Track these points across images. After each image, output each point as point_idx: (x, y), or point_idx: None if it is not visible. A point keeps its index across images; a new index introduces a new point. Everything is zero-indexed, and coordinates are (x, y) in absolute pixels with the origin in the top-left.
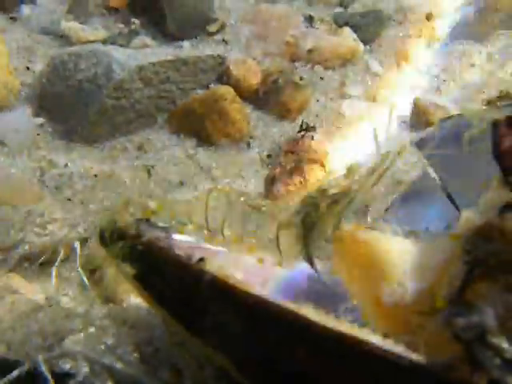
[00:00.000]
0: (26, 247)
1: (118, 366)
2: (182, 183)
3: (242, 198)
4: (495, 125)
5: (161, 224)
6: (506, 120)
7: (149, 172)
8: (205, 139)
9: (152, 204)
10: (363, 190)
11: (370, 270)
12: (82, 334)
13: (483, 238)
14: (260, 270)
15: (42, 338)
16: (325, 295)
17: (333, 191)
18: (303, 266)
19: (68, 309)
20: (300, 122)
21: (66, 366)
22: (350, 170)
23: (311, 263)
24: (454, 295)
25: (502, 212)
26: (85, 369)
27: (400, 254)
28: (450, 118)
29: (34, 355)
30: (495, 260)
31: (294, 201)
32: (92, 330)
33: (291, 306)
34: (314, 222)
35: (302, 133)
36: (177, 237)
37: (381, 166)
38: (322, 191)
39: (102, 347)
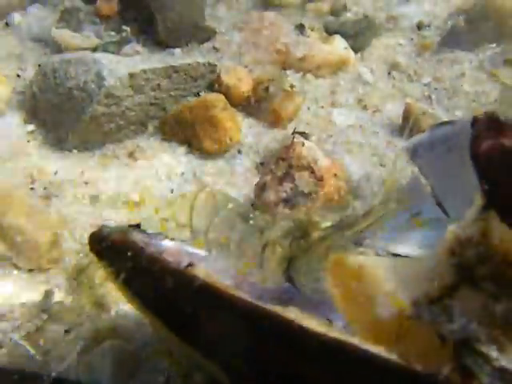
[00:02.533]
0: None
1: None
2: (172, 191)
3: (230, 205)
4: (474, 124)
5: (150, 231)
6: (486, 120)
7: None
8: (196, 146)
9: (135, 196)
10: (356, 229)
11: (362, 291)
12: None
13: (468, 249)
14: (245, 279)
15: None
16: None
17: (325, 225)
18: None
19: None
20: (292, 130)
21: None
22: (344, 201)
23: (294, 285)
24: (436, 299)
25: (482, 213)
26: None
27: (389, 272)
28: (440, 124)
29: None
30: (479, 269)
31: (282, 217)
32: None
33: (281, 311)
34: (301, 249)
35: (295, 136)
36: (166, 243)
37: (377, 212)
38: (314, 223)
39: None
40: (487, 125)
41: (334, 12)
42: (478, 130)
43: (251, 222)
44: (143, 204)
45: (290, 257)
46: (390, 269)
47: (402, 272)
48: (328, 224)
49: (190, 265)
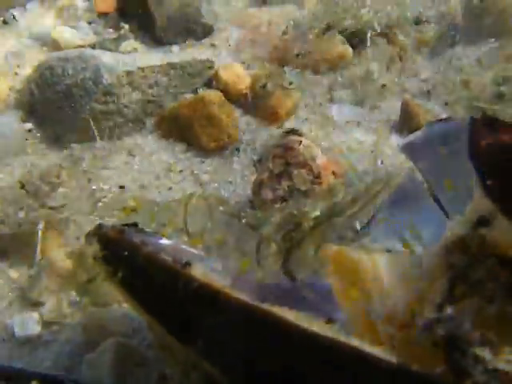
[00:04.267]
0: None
1: None
2: (170, 188)
3: (220, 207)
4: (472, 124)
5: (147, 229)
6: (482, 119)
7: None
8: (194, 144)
9: (132, 202)
10: (346, 215)
11: (356, 287)
12: None
13: (462, 250)
14: (244, 277)
15: None
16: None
17: (315, 214)
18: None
19: None
20: (285, 129)
21: None
22: (333, 189)
23: (291, 278)
24: (435, 307)
25: (477, 224)
26: None
27: (385, 269)
28: (437, 121)
29: None
30: (473, 272)
31: (273, 212)
32: None
33: (278, 311)
34: (295, 241)
35: (288, 136)
36: (163, 242)
37: (367, 194)
38: (304, 213)
39: None
40: (484, 124)
41: None
42: (475, 129)
43: (243, 220)
44: (139, 209)
45: (285, 251)
46: (388, 265)
47: (400, 270)
48: (317, 213)
49: (188, 264)
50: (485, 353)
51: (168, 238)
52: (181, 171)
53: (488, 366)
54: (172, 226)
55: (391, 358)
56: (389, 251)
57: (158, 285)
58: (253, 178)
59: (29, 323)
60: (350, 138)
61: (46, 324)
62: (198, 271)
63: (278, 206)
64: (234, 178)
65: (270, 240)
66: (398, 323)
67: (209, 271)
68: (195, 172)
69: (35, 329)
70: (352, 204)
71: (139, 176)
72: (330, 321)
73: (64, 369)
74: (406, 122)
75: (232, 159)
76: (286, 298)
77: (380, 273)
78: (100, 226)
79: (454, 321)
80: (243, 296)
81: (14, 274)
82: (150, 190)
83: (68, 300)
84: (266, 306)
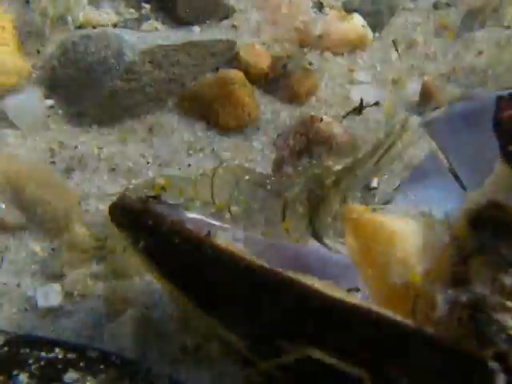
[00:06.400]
0: None
1: None
2: (189, 165)
3: (247, 176)
4: (498, 99)
5: (170, 201)
6: (509, 95)
7: None
8: (214, 122)
9: (160, 180)
10: (367, 166)
11: (377, 252)
12: None
13: (484, 220)
14: (268, 244)
15: None
16: (333, 272)
17: (337, 168)
18: (311, 243)
19: None
20: None
21: None
22: (354, 147)
23: (319, 239)
24: (455, 276)
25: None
26: None
27: (407, 236)
28: (458, 100)
29: None
30: (494, 240)
31: (297, 175)
32: None
33: (301, 278)
34: (319, 199)
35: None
36: (186, 213)
37: (385, 142)
38: (326, 168)
39: None
40: (510, 99)
41: None
42: (501, 103)
43: (268, 187)
44: (168, 187)
45: (310, 211)
46: (409, 233)
47: (418, 236)
48: (339, 167)
49: (211, 233)
50: (507, 320)
51: (195, 211)
52: (201, 149)
53: (510, 332)
54: (199, 199)
55: (412, 323)
56: (409, 218)
57: (182, 254)
58: (273, 156)
59: (51, 294)
60: (369, 118)
61: (68, 295)
62: (222, 240)
63: (300, 168)
64: (254, 157)
65: (296, 202)
66: (417, 292)
67: (232, 240)
68: (215, 150)
69: (57, 300)
70: (370, 154)
71: (160, 154)
72: (351, 290)
73: (87, 338)
74: (425, 104)
75: (252, 138)
76: (309, 266)
77: (398, 238)
78: (124, 197)
79: (478, 289)
80: (266, 263)
81: (36, 247)
82: (171, 168)
83: (90, 272)
84: (289, 273)
